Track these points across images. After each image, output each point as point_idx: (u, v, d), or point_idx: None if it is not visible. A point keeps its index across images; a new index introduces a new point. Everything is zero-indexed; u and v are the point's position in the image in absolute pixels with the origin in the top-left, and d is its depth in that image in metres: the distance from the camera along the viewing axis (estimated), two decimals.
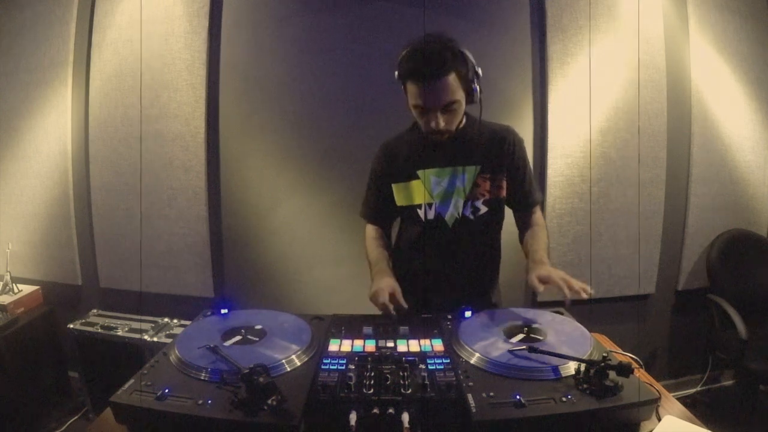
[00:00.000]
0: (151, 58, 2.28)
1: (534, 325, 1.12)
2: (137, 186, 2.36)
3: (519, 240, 1.47)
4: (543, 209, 2.27)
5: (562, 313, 1.23)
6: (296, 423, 0.78)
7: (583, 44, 2.25)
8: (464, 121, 1.37)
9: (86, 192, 2.44)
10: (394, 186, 1.42)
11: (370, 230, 1.50)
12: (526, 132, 2.27)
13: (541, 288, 1.18)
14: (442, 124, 1.24)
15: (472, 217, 1.38)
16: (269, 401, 0.80)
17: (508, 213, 1.48)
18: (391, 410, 0.81)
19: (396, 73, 1.26)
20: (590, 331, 1.10)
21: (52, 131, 2.43)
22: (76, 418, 2.31)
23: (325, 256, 2.31)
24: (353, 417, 0.79)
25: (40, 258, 2.52)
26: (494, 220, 1.42)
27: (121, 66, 2.32)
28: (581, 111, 2.27)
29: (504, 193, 1.39)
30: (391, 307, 1.19)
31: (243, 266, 2.37)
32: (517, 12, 2.22)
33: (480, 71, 1.27)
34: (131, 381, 0.90)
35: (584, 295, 1.12)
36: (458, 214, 1.37)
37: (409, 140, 1.42)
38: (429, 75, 1.19)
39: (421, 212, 1.39)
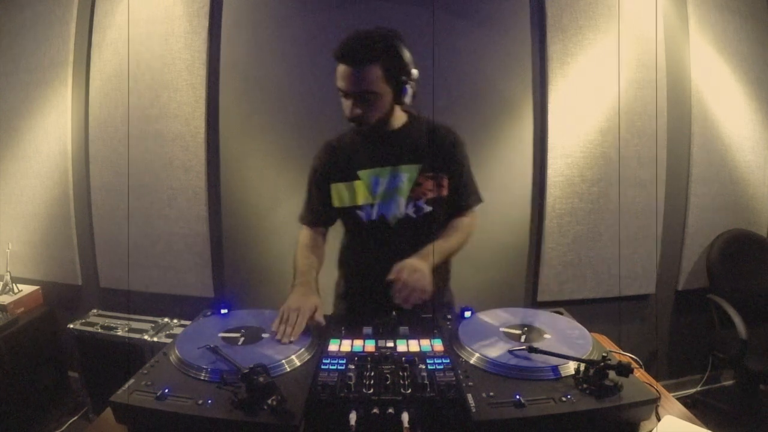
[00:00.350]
0: (151, 58, 2.29)
1: (534, 325, 1.12)
2: (137, 186, 2.36)
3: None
4: (542, 209, 2.28)
5: (561, 313, 1.23)
6: (296, 423, 0.78)
7: (583, 44, 2.25)
8: (405, 119, 1.37)
9: (86, 192, 2.44)
10: (333, 186, 1.39)
11: (305, 236, 1.46)
12: (526, 132, 2.27)
13: (392, 275, 1.19)
14: (356, 111, 1.24)
15: (415, 216, 1.36)
16: (269, 401, 0.80)
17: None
18: (391, 410, 0.81)
19: None
20: (590, 331, 1.10)
21: (52, 131, 2.43)
22: (76, 418, 2.31)
23: (325, 256, 2.30)
24: (353, 417, 0.79)
25: (40, 258, 2.52)
26: (439, 218, 1.40)
27: (121, 66, 2.32)
28: (581, 111, 2.27)
29: (446, 191, 1.38)
30: (297, 330, 1.09)
31: (243, 266, 2.37)
32: (517, 12, 2.22)
33: (416, 73, 1.26)
34: (131, 381, 0.90)
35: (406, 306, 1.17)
36: (401, 213, 1.36)
37: (351, 139, 1.40)
38: (351, 59, 1.19)
39: (362, 213, 1.37)
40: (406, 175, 1.35)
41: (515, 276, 2.37)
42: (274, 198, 2.31)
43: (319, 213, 1.44)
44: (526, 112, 2.27)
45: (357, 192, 1.37)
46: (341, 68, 1.22)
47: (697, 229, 2.45)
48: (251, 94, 2.27)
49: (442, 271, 1.48)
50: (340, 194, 1.39)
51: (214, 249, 2.36)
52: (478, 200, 1.46)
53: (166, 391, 0.86)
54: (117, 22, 2.31)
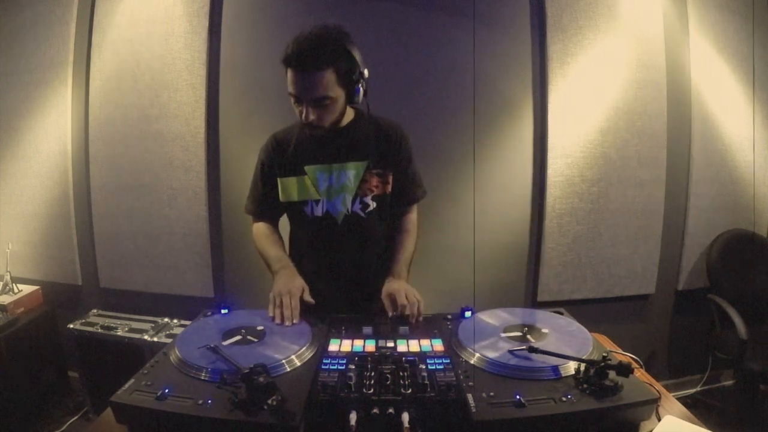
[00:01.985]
0: (151, 58, 2.29)
1: (534, 325, 1.12)
2: (137, 186, 2.36)
3: (387, 239, 1.45)
4: (542, 209, 2.28)
5: (562, 313, 1.23)
6: (296, 423, 0.78)
7: (583, 44, 2.25)
8: (353, 116, 1.37)
9: (86, 192, 2.44)
10: (279, 180, 1.39)
11: (261, 227, 1.45)
12: (526, 132, 2.27)
13: (390, 311, 1.21)
14: (311, 116, 1.22)
15: (362, 213, 1.37)
16: (269, 401, 0.80)
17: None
18: (391, 410, 0.81)
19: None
20: (590, 331, 1.10)
21: (52, 131, 2.43)
22: (76, 418, 2.31)
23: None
24: (353, 417, 0.79)
25: (40, 258, 2.52)
26: (383, 215, 1.41)
27: (121, 66, 2.32)
28: (581, 111, 2.27)
29: (390, 188, 1.39)
30: (294, 312, 1.15)
31: (243, 266, 2.37)
32: (517, 12, 2.22)
33: (366, 72, 1.25)
34: (131, 381, 0.90)
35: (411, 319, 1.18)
36: (347, 210, 1.36)
37: (298, 134, 1.39)
38: (303, 66, 1.18)
39: (307, 209, 1.37)
40: (353, 172, 1.35)
41: (515, 276, 2.37)
42: None
43: (264, 206, 1.45)
44: (526, 112, 2.27)
45: (302, 187, 1.37)
46: (293, 74, 1.20)
47: (697, 229, 2.45)
48: (251, 94, 2.27)
49: (379, 260, 1.47)
50: (285, 189, 1.39)
51: (214, 249, 2.36)
52: (424, 193, 1.48)
53: (166, 391, 0.86)
54: (117, 22, 2.31)
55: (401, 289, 1.24)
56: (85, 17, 2.37)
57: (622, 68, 2.28)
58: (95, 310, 2.30)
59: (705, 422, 0.88)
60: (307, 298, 1.20)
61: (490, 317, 1.19)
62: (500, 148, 2.26)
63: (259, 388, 0.80)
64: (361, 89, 1.25)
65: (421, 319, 1.20)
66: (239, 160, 2.32)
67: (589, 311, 2.26)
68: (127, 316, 2.23)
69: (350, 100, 1.27)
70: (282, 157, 1.39)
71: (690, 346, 2.55)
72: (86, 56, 2.37)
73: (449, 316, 1.22)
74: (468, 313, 1.21)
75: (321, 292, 1.34)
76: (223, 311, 1.23)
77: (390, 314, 1.21)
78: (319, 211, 1.37)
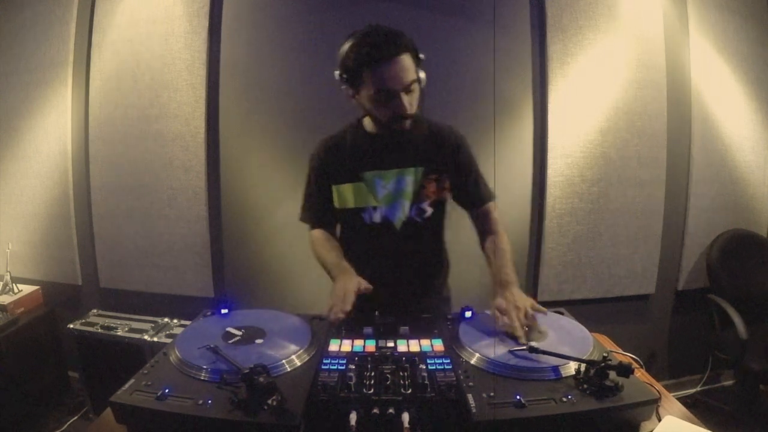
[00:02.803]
0: (151, 58, 2.29)
1: (534, 325, 1.11)
2: (137, 186, 2.36)
3: (480, 245, 1.41)
4: (542, 209, 2.27)
5: (562, 313, 1.23)
6: (296, 423, 0.78)
7: (583, 44, 2.25)
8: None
9: (86, 192, 2.44)
10: (334, 188, 1.35)
11: (318, 234, 1.42)
12: (526, 132, 2.27)
13: (500, 322, 1.11)
14: (407, 106, 1.19)
15: (419, 219, 1.35)
16: (269, 401, 0.80)
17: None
18: (391, 410, 0.81)
19: (342, 68, 1.20)
20: (590, 331, 1.10)
21: (52, 131, 2.43)
22: (76, 418, 2.31)
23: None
24: (353, 417, 0.79)
25: (40, 258, 2.52)
26: (439, 220, 1.40)
27: (121, 66, 2.32)
28: (581, 111, 2.27)
29: (447, 193, 1.37)
30: (345, 306, 1.10)
31: (243, 266, 2.37)
32: (517, 12, 2.22)
33: (422, 57, 1.22)
34: (131, 381, 0.90)
35: (522, 340, 1.04)
36: (405, 216, 1.34)
37: (353, 139, 1.36)
38: (389, 53, 1.15)
39: (365, 215, 1.35)
40: (411, 177, 1.33)
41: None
42: (274, 198, 2.31)
43: (320, 213, 1.42)
44: (526, 112, 2.27)
45: (360, 194, 1.34)
46: (381, 68, 1.15)
47: (697, 229, 2.45)
48: (251, 94, 2.27)
49: (436, 264, 1.47)
50: (342, 196, 1.36)
51: (214, 249, 2.36)
52: (492, 194, 1.44)
53: (166, 391, 0.86)
54: (117, 22, 2.32)
55: (511, 309, 1.11)
56: (85, 17, 2.37)
57: (622, 68, 2.28)
58: (95, 310, 2.30)
59: (705, 422, 0.88)
60: (365, 286, 1.17)
61: (490, 318, 1.18)
62: (500, 148, 2.26)
63: (259, 388, 0.80)
64: (422, 75, 1.22)
65: (534, 324, 1.10)
66: (239, 160, 2.32)
67: (589, 311, 2.26)
68: (127, 316, 2.23)
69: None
70: (336, 163, 1.35)
71: (690, 346, 2.55)
72: (86, 56, 2.38)
73: (449, 316, 1.22)
74: (468, 313, 1.21)
75: (377, 298, 1.31)
76: (223, 311, 1.23)
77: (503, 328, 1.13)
78: (377, 218, 1.34)
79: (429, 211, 1.35)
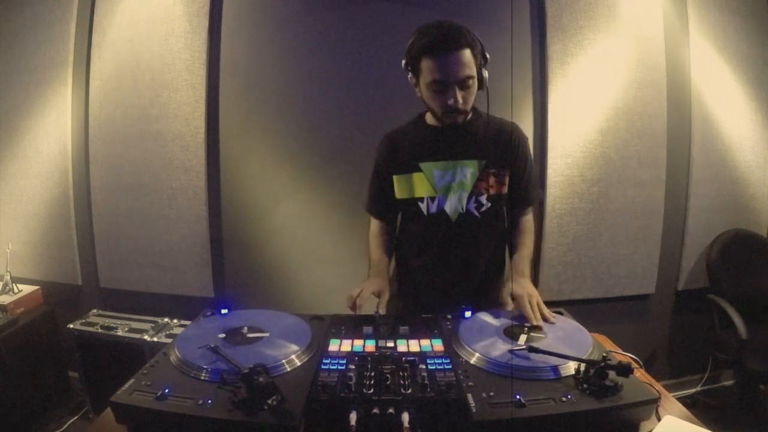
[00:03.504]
0: (151, 58, 2.29)
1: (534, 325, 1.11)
2: (137, 186, 2.36)
3: (509, 239, 1.46)
4: (542, 209, 2.28)
5: (562, 313, 1.23)
6: (296, 423, 0.78)
7: (583, 44, 2.25)
8: (471, 114, 1.36)
9: (86, 192, 2.44)
10: (395, 178, 1.40)
11: (374, 226, 1.48)
12: (526, 132, 2.26)
13: (511, 306, 1.20)
14: (460, 100, 1.23)
15: (476, 212, 1.36)
16: (269, 401, 0.80)
17: None
18: (391, 410, 0.81)
19: (406, 57, 1.26)
20: (590, 331, 1.10)
21: (52, 131, 2.43)
22: (76, 418, 2.31)
23: (325, 256, 2.31)
24: (353, 417, 0.79)
25: (40, 258, 2.52)
26: (497, 215, 1.40)
27: (121, 66, 2.32)
28: (581, 111, 2.27)
29: (506, 188, 1.38)
30: (359, 307, 1.19)
31: (243, 266, 2.37)
32: (517, 12, 2.22)
33: (488, 56, 1.27)
34: (131, 381, 0.90)
35: (541, 325, 1.12)
36: (462, 208, 1.35)
37: (414, 132, 1.40)
38: (448, 46, 1.19)
39: (423, 206, 1.37)
40: (470, 170, 1.34)
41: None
42: (274, 198, 2.31)
43: (382, 204, 1.46)
44: (526, 112, 2.26)
45: (419, 184, 1.37)
46: (436, 59, 1.20)
47: (697, 229, 2.45)
48: (251, 94, 2.28)
49: (497, 267, 1.49)
50: (402, 186, 1.39)
51: (214, 249, 2.36)
52: (539, 197, 1.47)
53: (166, 391, 0.86)
54: (117, 22, 2.32)
55: (524, 295, 1.18)
56: (85, 17, 2.37)
57: (622, 68, 2.28)
58: (95, 310, 2.30)
59: (705, 422, 0.88)
60: (382, 308, 1.21)
61: (490, 317, 1.19)
62: None
63: (259, 388, 0.80)
64: (485, 74, 1.27)
65: (550, 320, 1.15)
66: (239, 160, 2.32)
67: (589, 311, 2.26)
68: (127, 316, 2.23)
69: (480, 85, 1.28)
70: (397, 154, 1.39)
71: (690, 346, 2.55)
72: (86, 56, 2.38)
73: (449, 316, 1.22)
74: (468, 313, 1.21)
75: (430, 288, 1.37)
76: (223, 311, 1.23)
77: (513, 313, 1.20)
78: (434, 209, 1.36)
79: (487, 204, 1.36)
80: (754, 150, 2.48)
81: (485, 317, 1.19)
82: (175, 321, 2.19)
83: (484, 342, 1.03)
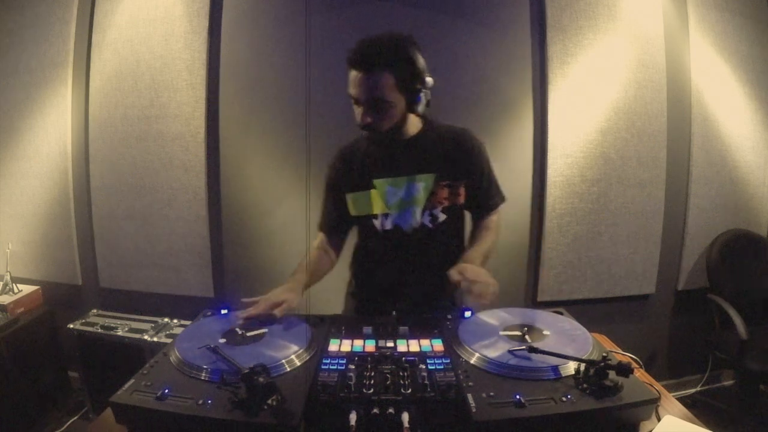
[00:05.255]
0: (151, 58, 2.29)
1: (534, 325, 1.11)
2: (137, 186, 2.36)
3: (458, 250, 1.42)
4: (542, 209, 2.28)
5: (561, 313, 1.23)
6: (296, 423, 0.78)
7: (583, 44, 2.25)
8: (420, 126, 1.34)
9: (86, 192, 2.44)
10: (348, 195, 1.38)
11: (317, 240, 1.44)
12: (526, 132, 2.27)
13: (456, 276, 1.16)
14: (367, 119, 1.21)
15: (431, 225, 1.34)
16: (269, 401, 0.80)
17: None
18: (391, 410, 0.81)
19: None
20: (590, 331, 1.10)
21: (52, 131, 2.43)
22: (76, 418, 2.31)
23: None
24: (353, 417, 0.79)
25: (40, 258, 2.52)
26: (454, 226, 1.39)
27: (121, 66, 2.32)
28: (581, 111, 2.27)
29: (462, 199, 1.36)
30: (253, 311, 1.15)
31: (243, 266, 2.37)
32: (517, 12, 2.22)
33: (430, 81, 1.24)
34: (131, 381, 0.90)
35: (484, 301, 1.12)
36: (417, 223, 1.34)
37: (366, 147, 1.37)
38: (362, 66, 1.18)
39: (377, 222, 1.36)
40: (422, 184, 1.32)
41: (515, 276, 2.37)
42: (274, 198, 2.31)
43: (335, 221, 1.43)
44: (526, 112, 2.27)
45: (372, 201, 1.35)
46: (353, 74, 1.20)
47: (697, 229, 2.45)
48: (251, 94, 2.27)
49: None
50: (355, 203, 1.38)
51: (214, 249, 2.36)
52: (502, 199, 1.45)
53: (166, 391, 0.86)
54: (117, 22, 2.31)
55: (466, 267, 1.19)
56: (85, 17, 2.36)
57: (622, 68, 2.28)
58: (95, 310, 2.30)
59: (705, 422, 0.88)
60: (279, 312, 1.16)
61: (490, 317, 1.19)
62: (500, 148, 2.26)
63: (259, 388, 0.80)
64: (423, 98, 1.23)
65: (485, 301, 1.13)
66: (239, 160, 2.32)
67: (589, 311, 2.27)
68: (127, 316, 2.23)
69: (411, 108, 1.25)
70: (350, 171, 1.37)
71: (690, 346, 2.55)
72: (86, 56, 2.37)
73: (449, 316, 1.22)
74: (468, 313, 1.21)
75: (389, 304, 1.32)
76: (223, 311, 1.23)
77: (455, 286, 1.17)
78: (388, 225, 1.35)
79: (442, 217, 1.35)
80: (754, 150, 2.48)
81: (485, 317, 1.19)
82: (175, 321, 2.19)
83: (484, 342, 1.03)
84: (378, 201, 1.34)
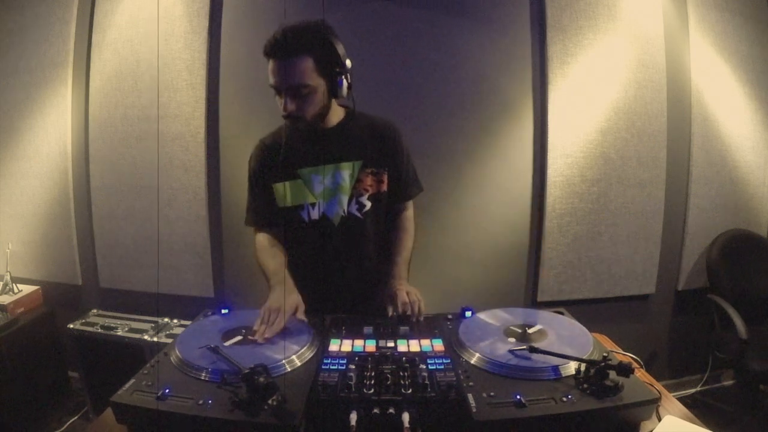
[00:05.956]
0: (151, 58, 2.28)
1: (534, 325, 1.12)
2: (137, 186, 2.36)
3: (384, 237, 1.44)
4: (542, 209, 2.28)
5: (562, 313, 1.23)
6: (296, 423, 0.78)
7: (583, 44, 2.25)
8: (343, 115, 1.36)
9: (86, 192, 2.44)
10: (274, 186, 1.36)
11: (262, 239, 1.40)
12: (526, 132, 2.27)
13: (390, 312, 1.21)
14: (290, 106, 1.20)
15: (358, 213, 1.35)
16: (270, 401, 0.80)
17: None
18: (391, 410, 0.81)
19: None
20: (590, 331, 1.10)
21: (52, 131, 2.43)
22: (76, 418, 2.31)
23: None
24: (353, 417, 0.79)
25: (40, 258, 2.52)
26: (379, 214, 1.40)
27: (121, 66, 2.32)
28: (581, 111, 2.27)
29: (386, 186, 1.37)
30: (274, 328, 1.08)
31: (243, 266, 2.37)
32: (517, 12, 2.22)
33: (349, 64, 1.23)
34: (131, 381, 0.90)
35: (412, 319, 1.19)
36: (344, 211, 1.34)
37: (288, 137, 1.35)
38: (280, 53, 1.17)
39: (303, 213, 1.35)
40: (347, 172, 1.33)
41: (515, 276, 2.37)
42: None
43: (264, 214, 1.40)
44: (526, 112, 2.26)
45: (298, 191, 1.34)
46: (271, 64, 1.18)
47: (697, 229, 2.45)
48: (251, 94, 2.27)
49: (378, 256, 1.46)
50: (280, 194, 1.36)
51: (214, 249, 2.36)
52: (419, 189, 1.47)
53: (167, 391, 0.86)
54: (117, 22, 2.31)
55: (402, 289, 1.25)
56: (85, 17, 2.36)
57: (622, 68, 2.28)
58: (95, 310, 2.30)
59: (705, 422, 0.88)
60: (300, 316, 1.17)
61: (490, 317, 1.19)
62: (500, 148, 2.26)
63: (259, 388, 0.80)
64: (345, 81, 1.23)
65: (421, 318, 1.20)
66: (239, 160, 2.31)
67: (589, 311, 2.26)
68: (127, 316, 2.23)
69: (333, 93, 1.25)
70: (273, 162, 1.35)
71: (690, 346, 2.55)
72: (86, 56, 2.37)
73: (449, 316, 1.22)
74: (468, 313, 1.21)
75: (321, 295, 1.33)
76: (223, 311, 1.23)
77: (390, 314, 1.21)
78: (315, 214, 1.35)
79: (368, 205, 1.36)
80: (754, 150, 2.48)
81: (485, 317, 1.19)
82: (175, 321, 2.19)
83: (485, 342, 1.03)
84: (304, 190, 1.34)
